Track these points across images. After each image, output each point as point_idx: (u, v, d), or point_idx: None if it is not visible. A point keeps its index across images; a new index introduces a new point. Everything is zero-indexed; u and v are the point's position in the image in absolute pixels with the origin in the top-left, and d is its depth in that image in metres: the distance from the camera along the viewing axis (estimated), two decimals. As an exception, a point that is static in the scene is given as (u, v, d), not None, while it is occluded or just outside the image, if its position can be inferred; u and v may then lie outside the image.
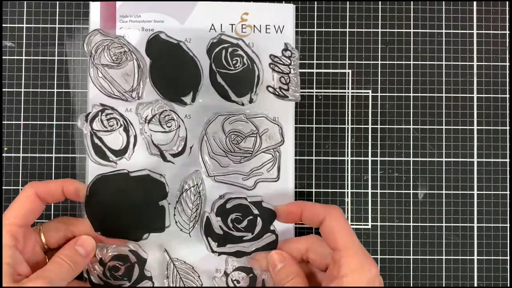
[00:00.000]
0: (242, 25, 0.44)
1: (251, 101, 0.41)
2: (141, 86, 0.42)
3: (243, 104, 0.41)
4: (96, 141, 0.41)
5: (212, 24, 0.44)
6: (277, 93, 0.41)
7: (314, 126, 0.45)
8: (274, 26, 0.44)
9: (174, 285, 0.42)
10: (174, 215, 0.41)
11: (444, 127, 0.45)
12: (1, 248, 0.35)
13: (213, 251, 0.40)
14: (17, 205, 0.37)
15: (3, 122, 0.45)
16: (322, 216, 0.38)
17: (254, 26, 0.44)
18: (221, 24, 0.44)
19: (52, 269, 0.36)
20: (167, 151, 0.41)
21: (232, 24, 0.44)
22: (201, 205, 0.41)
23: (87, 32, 0.42)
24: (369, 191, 0.45)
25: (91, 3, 0.44)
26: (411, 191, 0.45)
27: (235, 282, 0.41)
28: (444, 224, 0.45)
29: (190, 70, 0.41)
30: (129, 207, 0.39)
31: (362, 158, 0.45)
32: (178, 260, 0.42)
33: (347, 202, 0.45)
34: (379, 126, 0.45)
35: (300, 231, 0.44)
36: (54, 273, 0.36)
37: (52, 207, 0.44)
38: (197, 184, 0.41)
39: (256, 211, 0.40)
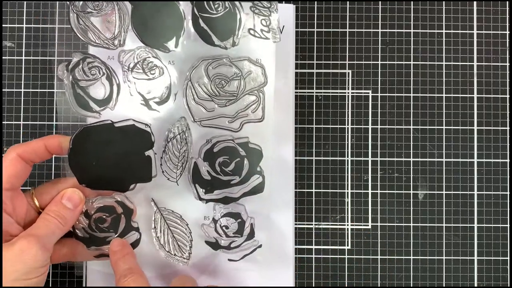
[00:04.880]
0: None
1: (233, 44, 0.41)
2: (122, 33, 0.41)
3: (226, 48, 0.41)
4: (78, 91, 0.40)
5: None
6: (258, 35, 0.41)
7: (314, 126, 0.45)
8: (274, 26, 0.44)
9: (162, 235, 0.41)
10: (161, 165, 0.41)
11: (444, 127, 0.45)
12: None
13: (200, 199, 0.40)
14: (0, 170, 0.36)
15: (3, 122, 0.45)
16: None
17: (254, 26, 0.44)
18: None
19: (40, 225, 0.36)
20: (151, 100, 0.41)
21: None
22: (188, 152, 0.41)
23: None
24: (369, 191, 0.45)
25: (91, 3, 0.44)
26: (411, 191, 0.45)
27: (223, 228, 0.41)
28: (444, 224, 0.45)
29: (173, 15, 0.41)
30: (114, 158, 0.38)
31: (362, 158, 0.45)
32: (166, 209, 0.41)
33: (347, 202, 0.45)
34: (379, 126, 0.45)
35: (300, 231, 0.44)
36: (42, 229, 0.36)
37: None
38: (183, 131, 0.41)
39: (243, 152, 0.40)
